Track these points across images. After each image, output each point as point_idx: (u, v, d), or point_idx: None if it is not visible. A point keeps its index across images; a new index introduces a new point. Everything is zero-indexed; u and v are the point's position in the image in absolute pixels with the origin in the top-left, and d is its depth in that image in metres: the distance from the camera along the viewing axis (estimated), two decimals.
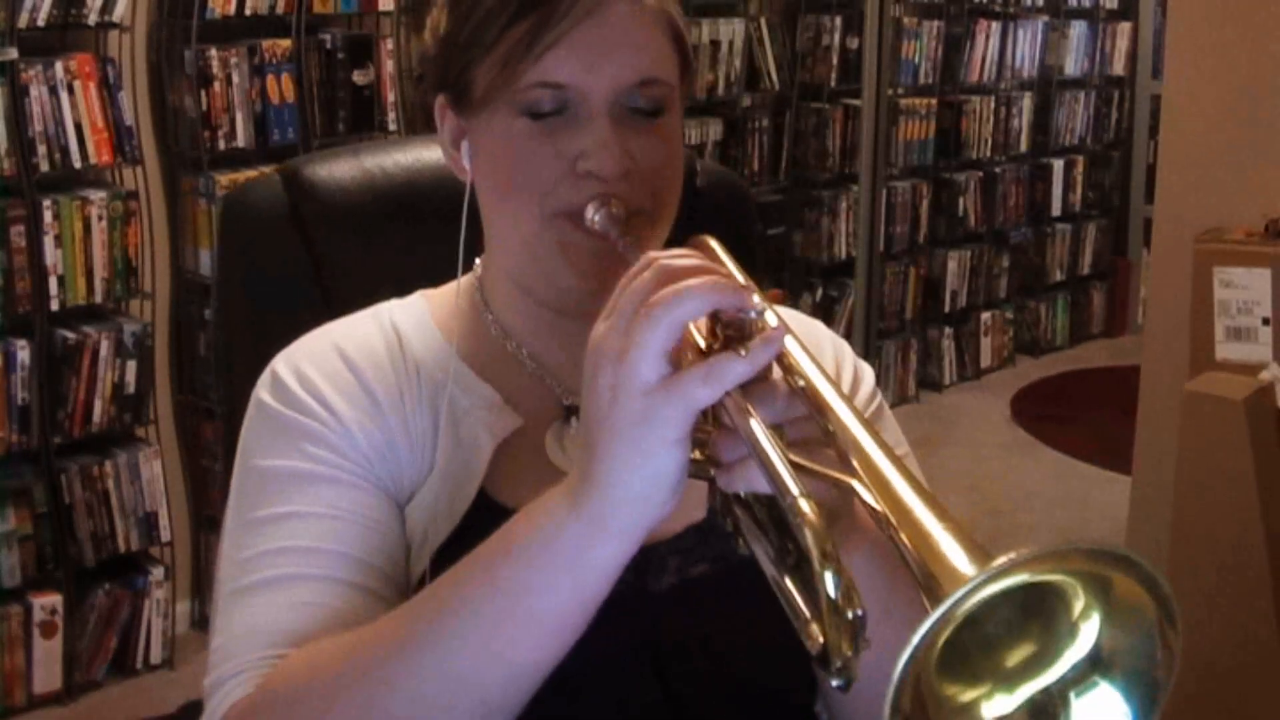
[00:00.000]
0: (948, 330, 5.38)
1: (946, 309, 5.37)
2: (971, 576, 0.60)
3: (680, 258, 0.78)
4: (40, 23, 2.86)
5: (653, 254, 0.79)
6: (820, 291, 4.93)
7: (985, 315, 5.55)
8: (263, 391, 1.00)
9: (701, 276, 0.76)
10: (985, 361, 5.57)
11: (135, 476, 3.08)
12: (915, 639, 0.59)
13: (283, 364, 1.00)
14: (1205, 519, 2.28)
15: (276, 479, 0.95)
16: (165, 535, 3.15)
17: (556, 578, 0.78)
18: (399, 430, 0.98)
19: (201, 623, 3.35)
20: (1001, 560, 0.60)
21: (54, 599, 2.98)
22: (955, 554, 0.63)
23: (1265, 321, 2.51)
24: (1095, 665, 0.66)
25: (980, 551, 0.63)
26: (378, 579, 0.93)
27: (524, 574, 0.79)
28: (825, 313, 4.85)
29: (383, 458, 0.97)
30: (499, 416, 1.00)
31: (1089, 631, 0.66)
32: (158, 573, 3.15)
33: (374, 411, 0.98)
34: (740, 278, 0.83)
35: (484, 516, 0.85)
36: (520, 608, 0.79)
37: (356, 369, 1.00)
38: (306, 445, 0.96)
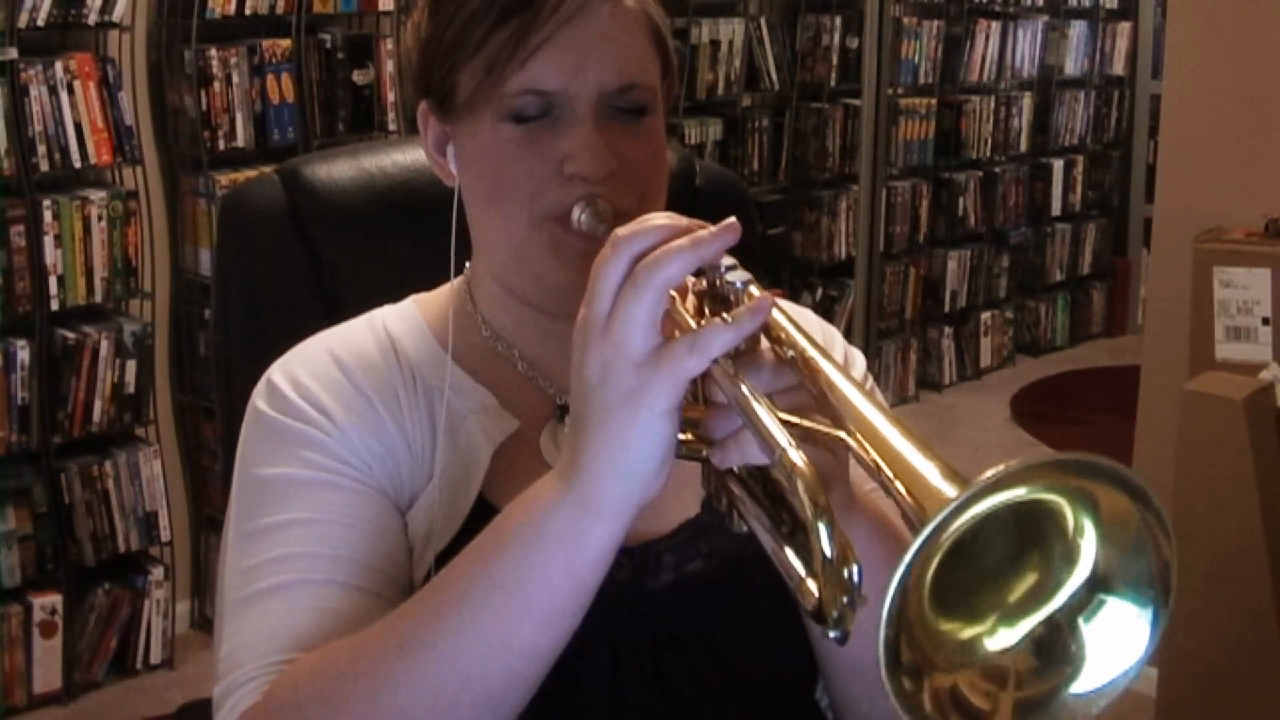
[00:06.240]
0: (948, 330, 5.38)
1: (946, 309, 5.37)
2: (953, 498, 0.61)
3: (643, 224, 0.77)
4: (40, 22, 2.86)
5: (617, 232, 0.77)
6: (820, 291, 4.93)
7: (985, 315, 5.54)
8: (259, 401, 1.00)
9: (675, 240, 0.76)
10: (985, 361, 5.57)
11: (135, 476, 3.08)
12: (904, 561, 0.60)
13: (279, 372, 1.00)
14: (1205, 519, 2.28)
15: (277, 487, 0.96)
16: (165, 535, 3.15)
17: (550, 562, 0.79)
18: (397, 435, 0.98)
19: (201, 623, 3.35)
20: (985, 476, 0.60)
21: (54, 599, 2.97)
22: (938, 480, 0.64)
23: (1265, 321, 2.51)
24: (1097, 586, 0.67)
25: (962, 479, 0.64)
26: (382, 582, 0.94)
27: (518, 562, 0.80)
28: (825, 313, 4.85)
29: (382, 462, 0.98)
30: (495, 419, 1.00)
31: (1086, 556, 0.67)
32: (158, 572, 3.15)
33: (371, 417, 0.98)
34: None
35: (484, 520, 0.86)
36: (516, 596, 0.79)
37: (353, 375, 1.00)
38: (305, 452, 0.96)
